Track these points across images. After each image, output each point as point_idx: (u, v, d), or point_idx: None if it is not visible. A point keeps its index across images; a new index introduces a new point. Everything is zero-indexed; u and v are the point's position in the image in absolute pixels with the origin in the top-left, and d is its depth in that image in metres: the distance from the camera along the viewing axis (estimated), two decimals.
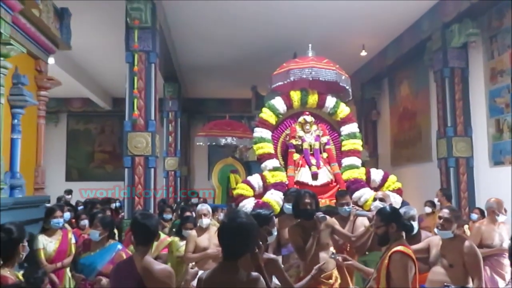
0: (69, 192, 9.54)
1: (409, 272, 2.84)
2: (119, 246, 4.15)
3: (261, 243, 2.61)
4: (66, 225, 5.29)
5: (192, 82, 12.81)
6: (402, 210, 3.73)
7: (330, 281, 3.63)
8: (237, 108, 13.98)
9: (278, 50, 9.77)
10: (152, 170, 6.38)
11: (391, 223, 3.00)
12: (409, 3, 7.63)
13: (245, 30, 8.94)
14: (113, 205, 7.86)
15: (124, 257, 3.95)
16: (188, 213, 5.60)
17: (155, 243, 4.78)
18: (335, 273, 3.75)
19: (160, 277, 2.65)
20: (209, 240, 4.49)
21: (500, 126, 6.81)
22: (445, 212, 3.46)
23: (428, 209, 6.68)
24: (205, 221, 4.54)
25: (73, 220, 6.08)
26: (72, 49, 6.01)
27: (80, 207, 7.74)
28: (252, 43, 9.65)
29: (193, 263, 3.33)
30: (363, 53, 9.77)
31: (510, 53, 6.59)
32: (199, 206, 4.74)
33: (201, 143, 8.97)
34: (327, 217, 3.75)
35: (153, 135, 6.37)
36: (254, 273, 2.33)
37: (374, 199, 4.34)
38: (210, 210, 4.73)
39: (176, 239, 4.98)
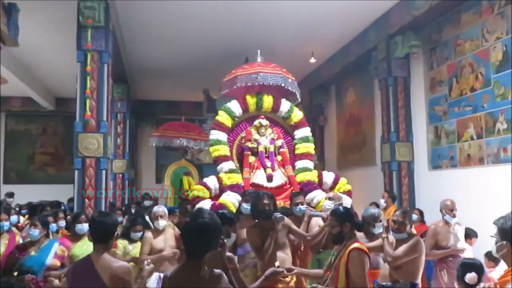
0: (10, 195, 9.11)
1: (366, 267, 3.03)
2: (56, 241, 4.20)
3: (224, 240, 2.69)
4: (14, 229, 5.12)
5: (141, 84, 12.64)
6: (368, 211, 3.98)
7: (287, 279, 3.77)
8: (187, 111, 13.91)
9: (230, 55, 9.88)
10: (104, 172, 6.27)
11: (345, 222, 3.17)
12: (356, 14, 7.97)
13: (197, 34, 8.97)
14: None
15: (65, 250, 4.14)
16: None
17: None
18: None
19: (119, 274, 2.68)
20: (165, 242, 4.54)
21: (438, 133, 7.29)
22: (398, 216, 3.69)
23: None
24: (162, 223, 4.58)
25: (19, 224, 5.86)
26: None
27: (24, 211, 7.44)
28: (204, 47, 9.69)
29: (148, 260, 3.37)
30: (312, 60, 10.10)
31: (447, 65, 7.09)
32: (155, 208, 4.76)
33: (154, 144, 8.87)
34: (285, 217, 3.90)
35: (105, 136, 6.26)
36: (217, 270, 2.42)
37: (330, 199, 4.54)
38: (166, 211, 4.74)
39: (125, 242, 4.92)
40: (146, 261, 3.29)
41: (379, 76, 8.45)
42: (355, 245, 3.07)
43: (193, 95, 13.00)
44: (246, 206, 4.23)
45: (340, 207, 3.51)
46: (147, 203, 8.44)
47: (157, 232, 4.61)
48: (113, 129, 11.10)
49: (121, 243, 4.76)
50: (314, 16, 8.08)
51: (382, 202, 7.07)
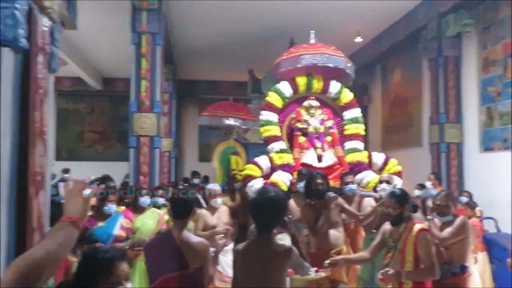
0: (66, 170, 9.57)
1: (433, 247, 3.12)
2: (121, 214, 4.42)
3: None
4: None
5: (184, 64, 12.83)
6: (424, 192, 3.99)
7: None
8: (229, 90, 14.03)
9: (275, 35, 9.89)
10: (157, 150, 6.51)
11: (405, 205, 3.22)
12: None
13: (242, 15, 8.99)
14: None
15: (130, 222, 4.39)
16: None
17: (157, 219, 4.98)
18: (344, 249, 3.99)
19: (198, 249, 2.82)
20: (218, 219, 4.67)
21: (491, 114, 7.11)
22: (441, 199, 3.64)
23: (418, 192, 6.98)
24: (218, 201, 4.71)
25: None
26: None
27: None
28: (248, 27, 9.72)
29: (221, 235, 3.51)
30: (358, 39, 9.96)
31: (503, 44, 6.86)
32: (211, 186, 4.92)
33: (204, 123, 9.07)
34: (338, 196, 3.97)
35: (159, 116, 6.48)
36: (287, 245, 2.53)
37: (381, 181, 4.57)
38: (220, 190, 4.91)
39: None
40: (218, 236, 3.44)
41: (429, 55, 8.26)
42: (420, 225, 3.12)
43: (235, 75, 13.10)
44: (301, 185, 4.31)
45: (398, 190, 3.55)
46: (196, 181, 8.67)
47: (211, 209, 4.75)
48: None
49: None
50: None
51: (429, 184, 7.00)
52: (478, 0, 7.16)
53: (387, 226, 3.43)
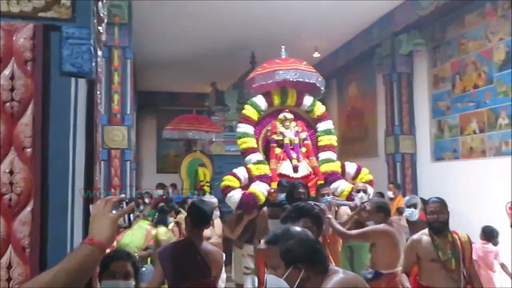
0: None
1: None
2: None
3: None
4: None
5: (144, 75, 12.81)
6: (407, 197, 4.31)
7: None
8: (189, 102, 14.15)
9: (236, 49, 10.17)
10: (128, 163, 6.55)
11: (448, 210, 3.32)
12: (361, 11, 8.32)
13: (202, 29, 9.15)
14: None
15: None
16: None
17: (144, 234, 5.04)
18: None
19: (218, 258, 2.98)
20: (212, 231, 4.65)
21: (441, 126, 7.72)
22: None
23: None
24: (216, 213, 4.68)
25: None
26: None
27: None
28: (210, 41, 9.89)
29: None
30: (316, 55, 10.44)
31: (451, 63, 7.50)
32: (211, 199, 4.79)
33: (167, 137, 9.14)
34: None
35: (129, 129, 6.54)
36: None
37: (358, 191, 4.87)
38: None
39: (162, 229, 5.24)
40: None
41: (383, 71, 8.84)
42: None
43: (196, 87, 13.23)
44: (282, 196, 4.52)
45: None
46: (159, 192, 8.69)
47: None
48: None
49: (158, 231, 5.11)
50: (319, 12, 8.37)
51: (390, 194, 7.43)
52: (428, 22, 7.78)
53: (418, 238, 3.40)
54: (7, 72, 1.77)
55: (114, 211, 1.40)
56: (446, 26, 7.60)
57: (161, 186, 8.86)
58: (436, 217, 3.27)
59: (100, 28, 2.04)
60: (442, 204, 3.30)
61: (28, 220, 1.78)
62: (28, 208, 1.79)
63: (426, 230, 3.40)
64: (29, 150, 1.78)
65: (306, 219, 2.51)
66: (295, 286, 1.76)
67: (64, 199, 1.83)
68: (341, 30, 9.39)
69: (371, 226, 3.86)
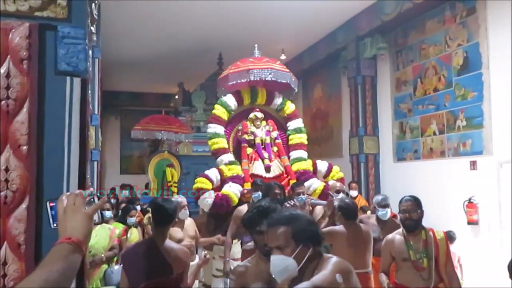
0: None
1: None
2: None
3: None
4: None
5: (107, 75, 12.60)
6: (378, 197, 4.44)
7: None
8: (153, 102, 14.02)
9: (203, 50, 10.21)
10: (96, 163, 6.43)
11: (422, 209, 3.36)
12: (326, 15, 8.54)
13: (169, 29, 9.14)
14: None
15: None
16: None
17: (108, 234, 5.00)
18: None
19: (182, 256, 3.00)
20: (184, 232, 4.52)
21: (403, 128, 8.04)
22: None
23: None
24: (186, 213, 4.54)
25: None
26: None
27: None
28: (176, 42, 9.91)
29: (205, 252, 3.63)
30: (283, 57, 10.60)
31: (412, 67, 7.84)
32: (178, 199, 4.65)
33: (136, 137, 9.06)
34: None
35: (97, 129, 6.42)
36: None
37: (338, 191, 4.94)
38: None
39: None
40: (203, 252, 3.48)
41: (348, 74, 9.10)
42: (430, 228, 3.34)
43: (161, 87, 13.15)
44: (257, 195, 4.55)
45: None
46: (126, 193, 8.61)
47: (178, 222, 4.39)
48: None
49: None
50: (286, 14, 8.52)
51: (353, 193, 7.64)
52: (391, 27, 8.10)
53: (392, 238, 3.44)
54: (2, 70, 1.78)
55: (86, 207, 1.30)
56: (408, 31, 7.94)
57: (124, 186, 8.77)
58: (409, 216, 3.32)
59: (92, 28, 2.07)
60: (415, 203, 3.34)
61: (24, 217, 1.80)
62: (24, 205, 1.80)
63: (400, 229, 3.47)
64: (24, 147, 1.80)
65: None
66: (301, 263, 1.89)
67: (59, 196, 1.85)
68: (307, 33, 9.60)
69: (328, 227, 3.93)
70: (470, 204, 6.30)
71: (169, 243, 3.06)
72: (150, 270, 2.94)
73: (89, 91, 2.04)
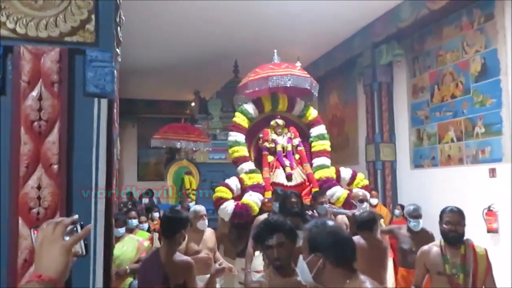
0: None
1: None
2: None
3: None
4: None
5: (124, 83, 12.79)
6: (410, 207, 4.38)
7: None
8: (170, 109, 14.17)
9: (219, 57, 10.30)
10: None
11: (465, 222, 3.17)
12: (342, 22, 8.58)
13: (186, 37, 9.25)
14: None
15: None
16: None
17: (136, 246, 4.98)
18: None
19: (179, 266, 2.98)
20: (203, 244, 4.37)
21: (420, 135, 8.00)
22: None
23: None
24: (206, 223, 4.41)
25: None
26: None
27: None
28: (193, 49, 10.03)
29: (221, 261, 3.61)
30: (298, 64, 10.63)
31: (429, 73, 7.81)
32: (198, 207, 4.57)
33: (155, 146, 9.21)
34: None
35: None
36: None
37: (361, 201, 4.88)
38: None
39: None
40: (218, 262, 3.38)
41: (364, 81, 9.10)
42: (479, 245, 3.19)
43: (177, 95, 13.28)
44: (276, 205, 4.46)
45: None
46: (145, 200, 8.70)
47: (197, 232, 4.33)
48: None
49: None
50: (301, 22, 8.59)
51: (374, 201, 7.58)
52: (408, 33, 8.08)
53: (428, 249, 3.29)
54: (35, 93, 1.86)
55: (66, 237, 1.16)
56: (425, 37, 7.91)
57: (146, 193, 8.88)
58: (454, 228, 3.14)
59: (117, 50, 2.15)
60: (461, 215, 3.16)
61: None
62: None
63: (438, 241, 3.32)
64: (55, 166, 1.88)
65: (279, 234, 2.50)
66: (313, 272, 1.85)
67: (88, 211, 1.93)
68: (323, 40, 9.63)
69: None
70: (490, 212, 6.23)
71: (172, 255, 3.02)
72: (149, 281, 2.99)
73: (115, 111, 2.12)
